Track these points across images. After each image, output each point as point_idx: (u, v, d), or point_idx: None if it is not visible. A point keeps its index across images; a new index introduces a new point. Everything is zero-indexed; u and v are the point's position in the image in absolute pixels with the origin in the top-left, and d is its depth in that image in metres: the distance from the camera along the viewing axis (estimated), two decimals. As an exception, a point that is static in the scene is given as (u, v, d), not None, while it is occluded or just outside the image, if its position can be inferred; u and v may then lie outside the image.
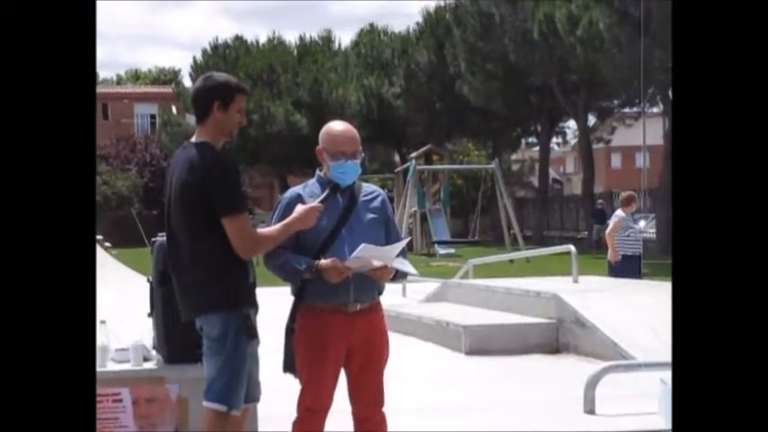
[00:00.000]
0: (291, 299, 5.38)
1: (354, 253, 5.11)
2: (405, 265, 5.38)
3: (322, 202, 5.24)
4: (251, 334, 5.12)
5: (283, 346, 5.36)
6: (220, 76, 5.37)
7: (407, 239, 5.54)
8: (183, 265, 5.20)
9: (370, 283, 5.32)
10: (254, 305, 5.22)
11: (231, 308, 5.10)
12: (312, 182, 5.46)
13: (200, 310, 5.18)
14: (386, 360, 5.48)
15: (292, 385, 5.42)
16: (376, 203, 5.44)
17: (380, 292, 5.48)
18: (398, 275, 5.43)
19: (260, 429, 5.95)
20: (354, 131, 5.43)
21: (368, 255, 5.14)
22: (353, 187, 5.41)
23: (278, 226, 5.25)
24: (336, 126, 5.45)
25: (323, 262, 5.15)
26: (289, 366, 5.34)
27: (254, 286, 5.26)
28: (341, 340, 5.29)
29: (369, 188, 5.52)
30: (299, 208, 5.20)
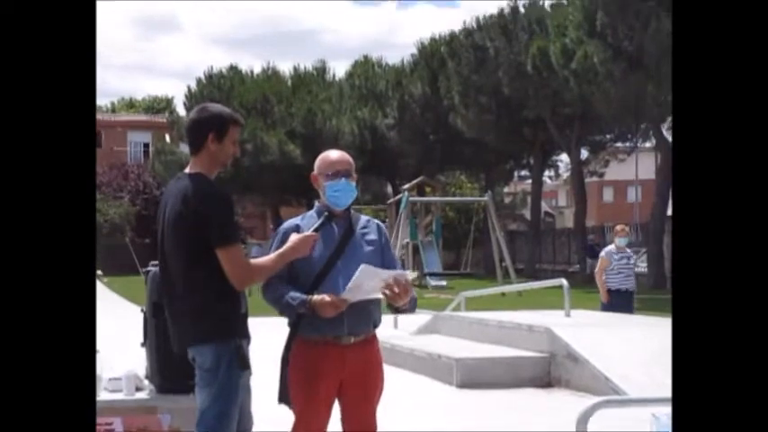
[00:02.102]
0: (284, 330, 5.38)
1: (353, 279, 5.08)
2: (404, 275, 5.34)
3: (316, 230, 5.25)
4: (243, 365, 5.11)
5: (279, 377, 5.35)
6: (215, 107, 5.39)
7: (408, 273, 5.49)
8: (176, 294, 5.20)
9: (365, 315, 5.31)
10: (246, 336, 5.21)
11: (224, 339, 5.09)
12: (310, 213, 5.47)
13: (193, 341, 5.18)
14: (380, 393, 5.47)
15: (285, 417, 5.42)
16: (372, 235, 5.43)
17: (376, 325, 5.46)
18: (412, 304, 5.34)
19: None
20: (347, 156, 5.47)
21: (368, 278, 5.13)
22: (350, 217, 5.41)
23: (272, 256, 5.25)
24: (327, 152, 5.51)
25: (316, 298, 5.15)
26: (283, 397, 5.33)
27: (246, 317, 5.26)
28: (334, 373, 5.29)
29: (364, 219, 5.52)
30: (294, 237, 5.21)
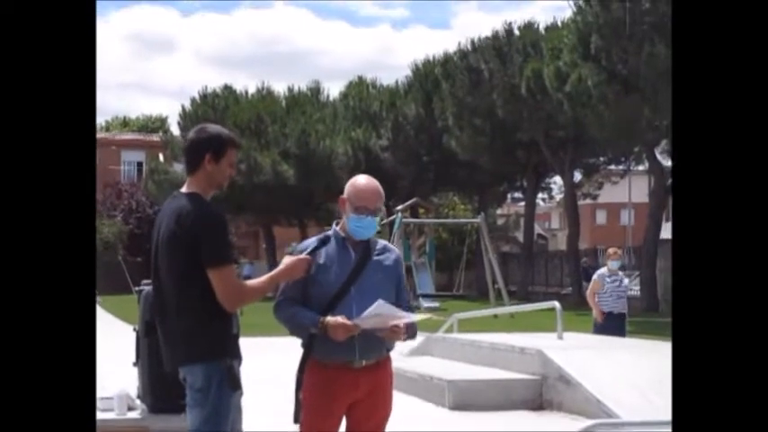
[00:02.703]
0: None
1: (369, 310, 5.07)
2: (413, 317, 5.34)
3: (310, 253, 5.25)
4: (234, 385, 5.10)
5: (294, 398, 5.33)
6: (214, 128, 5.38)
7: (422, 317, 5.51)
8: (168, 314, 5.19)
9: (377, 341, 5.28)
10: (237, 356, 5.19)
11: (215, 359, 5.07)
12: (328, 234, 5.41)
13: (184, 361, 5.16)
14: (387, 417, 5.46)
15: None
16: (388, 263, 5.41)
17: (389, 350, 5.44)
18: (411, 333, 5.38)
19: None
20: (379, 188, 5.40)
21: (382, 313, 5.11)
22: (368, 243, 5.39)
23: (264, 278, 5.25)
24: (362, 180, 5.42)
25: (330, 319, 5.12)
26: (298, 417, 5.31)
27: (237, 337, 5.25)
28: (346, 396, 5.29)
29: (382, 244, 5.48)
30: (287, 259, 5.21)
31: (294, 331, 5.30)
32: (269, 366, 12.95)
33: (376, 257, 5.38)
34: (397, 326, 5.19)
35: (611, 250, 15.37)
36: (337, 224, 5.46)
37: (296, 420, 5.32)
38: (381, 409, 5.42)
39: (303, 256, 5.22)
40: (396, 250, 5.57)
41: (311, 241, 5.41)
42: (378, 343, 5.30)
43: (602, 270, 14.96)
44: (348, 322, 5.10)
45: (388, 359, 5.47)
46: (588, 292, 15.00)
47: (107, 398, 6.03)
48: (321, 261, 5.28)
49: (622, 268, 15.54)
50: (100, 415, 5.94)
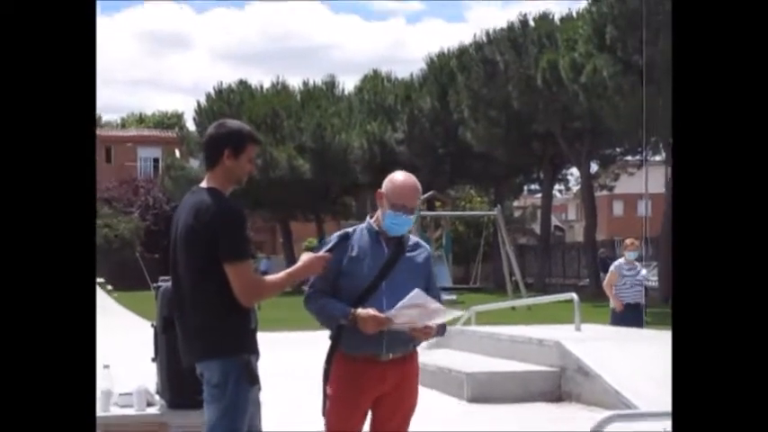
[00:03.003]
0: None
1: (404, 300, 5.06)
2: (446, 315, 5.33)
3: (329, 250, 5.25)
4: (252, 380, 5.11)
5: (321, 391, 5.34)
6: (234, 123, 5.39)
7: (457, 313, 5.50)
8: (186, 309, 5.20)
9: (404, 335, 5.27)
10: (255, 351, 5.20)
11: (232, 354, 5.08)
12: (362, 227, 5.43)
13: (201, 356, 5.18)
14: (412, 410, 5.46)
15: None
16: (420, 259, 5.42)
17: (416, 345, 5.45)
18: (441, 331, 5.39)
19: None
20: (418, 186, 5.40)
21: (418, 303, 5.09)
22: (402, 239, 5.39)
23: (282, 274, 5.27)
24: (400, 177, 5.40)
25: (361, 311, 5.12)
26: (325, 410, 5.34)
27: (255, 332, 5.25)
28: (373, 389, 5.29)
29: (413, 240, 5.49)
30: (305, 256, 5.21)
31: (324, 322, 5.31)
32: (286, 361, 12.99)
33: (408, 254, 5.38)
34: (428, 327, 5.20)
35: (627, 241, 15.33)
36: (371, 217, 5.45)
37: (325, 413, 5.33)
38: (407, 403, 5.42)
39: (321, 253, 5.22)
40: (427, 247, 5.57)
41: (334, 237, 5.41)
42: (405, 338, 5.29)
43: (620, 261, 14.93)
44: (380, 315, 5.09)
45: (415, 353, 5.48)
46: (605, 284, 14.97)
47: (126, 393, 6.05)
48: (353, 254, 5.29)
49: (639, 259, 15.50)
50: (119, 411, 5.96)
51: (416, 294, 5.07)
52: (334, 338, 5.32)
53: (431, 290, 5.38)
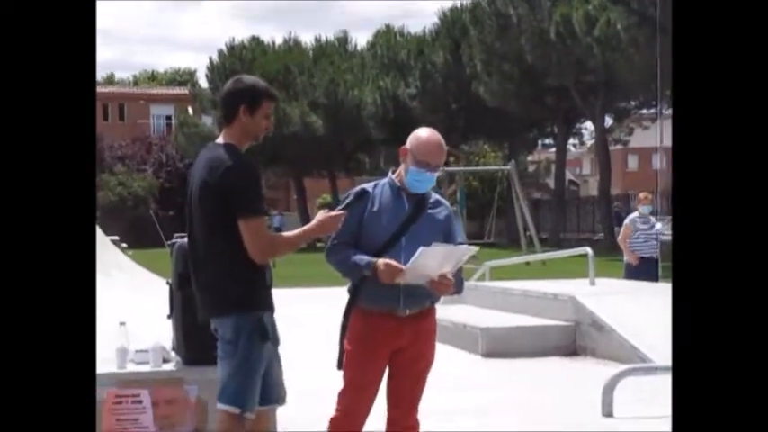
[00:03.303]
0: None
1: (417, 254, 5.03)
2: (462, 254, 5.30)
3: (344, 208, 5.23)
4: (264, 337, 5.11)
5: (338, 344, 5.34)
6: (250, 79, 5.38)
7: (475, 249, 5.46)
8: (200, 265, 5.21)
9: (422, 291, 5.27)
10: (268, 308, 5.20)
11: (244, 311, 5.09)
12: (384, 182, 5.41)
13: (213, 312, 5.19)
14: (429, 366, 5.45)
15: (320, 387, 5.42)
16: (440, 217, 5.41)
17: (434, 302, 5.44)
18: (458, 288, 5.36)
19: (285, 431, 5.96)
20: (443, 143, 5.36)
21: (429, 258, 5.07)
22: (423, 195, 5.37)
23: (296, 232, 5.26)
24: (425, 134, 5.37)
25: (379, 261, 5.11)
26: (342, 364, 5.33)
27: (269, 289, 5.25)
28: (389, 344, 5.29)
29: (435, 198, 5.47)
30: (321, 214, 5.20)
31: (347, 273, 5.30)
32: (300, 316, 13.04)
33: (429, 210, 5.37)
34: (445, 276, 5.17)
35: (641, 195, 15.28)
36: (393, 172, 5.43)
37: (339, 366, 5.34)
38: (424, 359, 5.41)
39: (336, 212, 5.20)
40: (448, 204, 5.56)
41: (368, 186, 5.40)
42: (423, 293, 5.29)
43: (633, 215, 14.89)
44: (395, 264, 5.07)
45: (433, 310, 5.47)
46: (620, 238, 14.95)
47: (142, 350, 6.07)
48: (374, 208, 5.28)
49: (654, 213, 15.46)
50: (135, 368, 5.99)
51: (427, 250, 5.05)
52: (352, 293, 5.33)
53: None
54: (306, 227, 5.26)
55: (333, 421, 5.36)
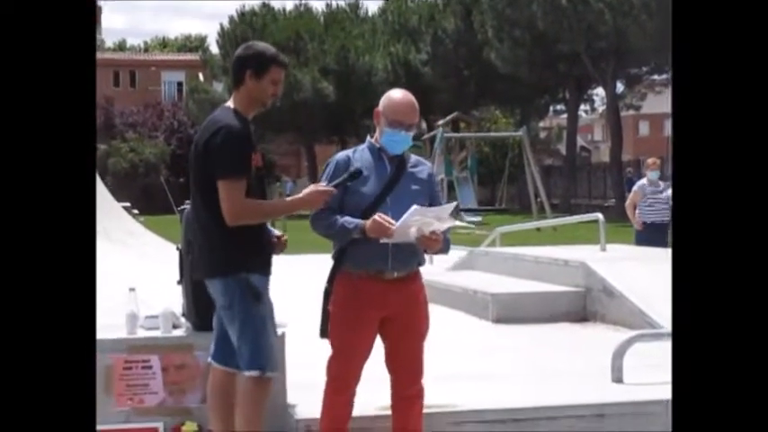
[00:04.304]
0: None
1: (405, 216, 5.06)
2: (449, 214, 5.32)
3: (336, 186, 5.21)
4: (257, 297, 5.12)
5: (321, 311, 5.34)
6: (259, 45, 5.39)
7: (455, 203, 5.49)
8: (194, 228, 5.28)
9: (410, 253, 5.29)
10: (258, 271, 5.18)
11: (230, 273, 5.10)
12: (363, 147, 5.45)
13: (203, 275, 5.26)
14: (425, 331, 5.46)
15: (317, 354, 5.42)
16: (422, 175, 5.44)
17: (420, 264, 5.45)
18: (445, 248, 5.38)
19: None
20: (415, 103, 5.40)
21: (418, 218, 5.10)
22: (403, 156, 5.40)
23: (283, 201, 5.30)
24: (397, 94, 5.43)
25: (369, 221, 5.12)
26: (325, 332, 5.32)
27: (262, 251, 5.23)
28: (376, 308, 5.27)
29: (415, 159, 5.50)
30: (309, 189, 5.20)
31: (335, 237, 5.28)
32: (307, 283, 13.01)
33: (410, 169, 5.39)
34: (435, 234, 5.18)
35: (650, 161, 15.23)
36: (371, 137, 5.46)
37: (322, 335, 5.32)
38: (418, 327, 5.42)
39: (323, 187, 5.18)
40: (428, 164, 5.60)
41: (347, 152, 5.43)
42: (411, 255, 5.31)
43: (642, 181, 14.84)
44: (386, 219, 5.07)
45: (419, 273, 5.47)
46: (628, 203, 14.92)
47: (152, 316, 6.08)
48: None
49: (663, 178, 15.41)
50: (145, 333, 6.01)
51: (414, 210, 5.07)
52: (336, 258, 5.32)
53: (434, 205, 5.38)
54: (292, 198, 5.32)
55: (325, 393, 5.36)
